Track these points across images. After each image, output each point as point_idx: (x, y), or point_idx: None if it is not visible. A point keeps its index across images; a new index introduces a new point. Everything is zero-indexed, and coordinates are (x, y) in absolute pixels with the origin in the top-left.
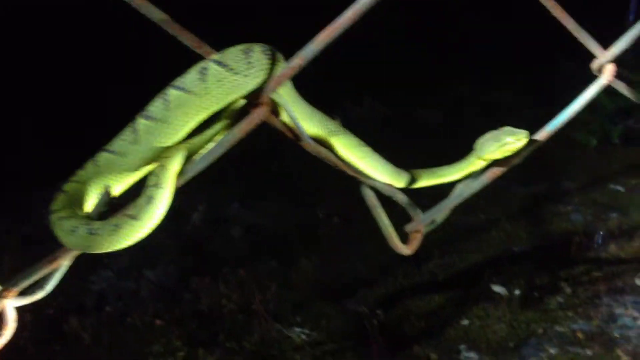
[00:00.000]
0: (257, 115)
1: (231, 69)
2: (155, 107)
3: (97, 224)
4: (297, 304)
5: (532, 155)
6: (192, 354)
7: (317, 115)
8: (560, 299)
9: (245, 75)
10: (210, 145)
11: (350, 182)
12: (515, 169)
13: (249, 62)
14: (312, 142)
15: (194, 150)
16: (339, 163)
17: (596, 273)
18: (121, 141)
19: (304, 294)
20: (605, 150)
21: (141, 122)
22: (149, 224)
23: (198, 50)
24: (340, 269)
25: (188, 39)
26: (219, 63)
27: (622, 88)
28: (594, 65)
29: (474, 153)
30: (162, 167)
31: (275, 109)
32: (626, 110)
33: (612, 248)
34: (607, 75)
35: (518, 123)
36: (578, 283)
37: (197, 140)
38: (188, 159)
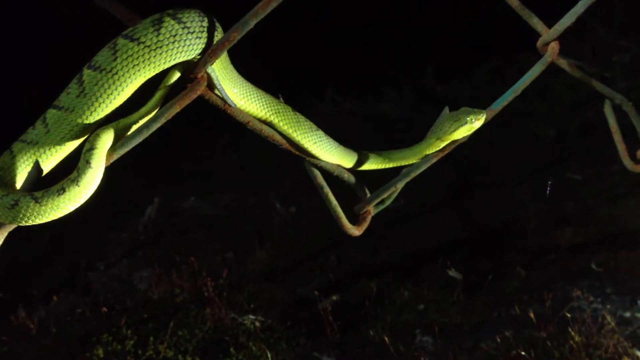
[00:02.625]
0: (194, 89)
1: (187, 27)
2: (103, 56)
3: (0, 193)
4: (250, 292)
5: (491, 145)
6: (142, 342)
7: (266, 97)
8: (515, 283)
9: (198, 37)
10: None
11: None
12: (473, 158)
13: (203, 26)
14: (236, 106)
15: (125, 129)
16: (283, 142)
17: (551, 258)
18: (67, 95)
19: (258, 282)
20: (563, 141)
21: (87, 73)
22: (52, 213)
23: (130, 24)
24: (295, 257)
25: (119, 12)
26: (175, 18)
27: (565, 66)
28: (539, 43)
29: (433, 134)
30: (87, 163)
31: (210, 84)
32: (586, 102)
33: (568, 234)
34: (551, 53)
35: None
36: (533, 267)
37: (127, 119)
38: (118, 138)
